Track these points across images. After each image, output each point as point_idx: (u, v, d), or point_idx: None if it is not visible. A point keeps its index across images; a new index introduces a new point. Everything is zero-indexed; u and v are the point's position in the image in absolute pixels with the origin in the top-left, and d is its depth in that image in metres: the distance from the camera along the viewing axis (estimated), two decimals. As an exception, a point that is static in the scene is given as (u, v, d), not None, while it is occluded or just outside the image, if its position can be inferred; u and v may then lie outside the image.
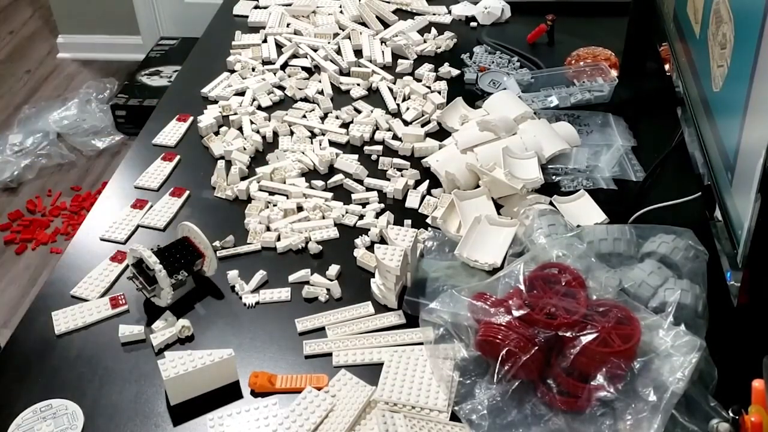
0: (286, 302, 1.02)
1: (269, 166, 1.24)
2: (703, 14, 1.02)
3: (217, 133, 1.33)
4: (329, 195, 1.19)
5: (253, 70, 1.49)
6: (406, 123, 1.34)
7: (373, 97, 1.43)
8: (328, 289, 1.03)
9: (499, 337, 0.85)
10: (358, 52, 1.53)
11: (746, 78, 0.83)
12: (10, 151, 2.69)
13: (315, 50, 1.53)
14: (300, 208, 1.16)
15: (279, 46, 1.56)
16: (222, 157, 1.26)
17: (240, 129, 1.33)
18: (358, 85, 1.44)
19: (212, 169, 1.24)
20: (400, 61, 1.51)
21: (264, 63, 1.52)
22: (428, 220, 1.14)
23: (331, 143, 1.30)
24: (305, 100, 1.41)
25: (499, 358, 0.84)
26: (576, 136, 1.27)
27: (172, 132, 1.33)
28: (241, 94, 1.42)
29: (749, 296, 0.86)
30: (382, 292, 1.01)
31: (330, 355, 0.95)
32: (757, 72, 0.81)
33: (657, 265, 0.94)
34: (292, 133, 1.33)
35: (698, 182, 1.06)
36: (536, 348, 0.83)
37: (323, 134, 1.32)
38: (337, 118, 1.36)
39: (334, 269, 1.05)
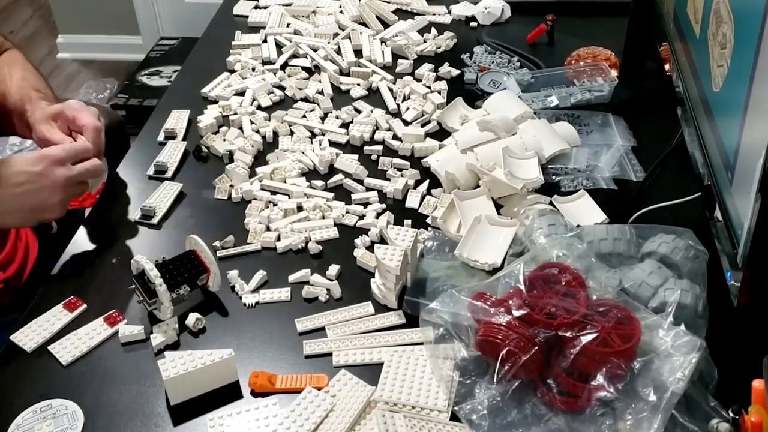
0: (286, 302, 1.02)
1: (269, 166, 1.24)
2: (703, 14, 1.02)
3: (215, 133, 1.33)
4: (330, 195, 1.19)
5: (253, 70, 1.49)
6: (406, 123, 1.34)
7: (373, 97, 1.43)
8: (328, 289, 1.03)
9: (499, 337, 0.85)
10: (358, 52, 1.53)
11: (746, 78, 0.83)
12: (10, 151, 2.69)
13: (315, 50, 1.53)
14: (300, 208, 1.16)
15: (279, 46, 1.56)
16: (231, 157, 1.26)
17: (240, 128, 1.33)
18: (358, 85, 1.44)
19: (211, 168, 1.24)
20: (400, 61, 1.51)
21: (264, 63, 1.52)
22: (428, 220, 1.14)
23: (331, 143, 1.30)
24: (305, 100, 1.41)
25: (499, 358, 0.84)
26: (576, 136, 1.27)
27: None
28: (241, 94, 1.42)
29: (749, 296, 0.86)
30: (382, 292, 1.01)
31: (330, 355, 0.95)
32: (757, 72, 0.81)
33: (657, 265, 0.94)
34: (292, 133, 1.33)
35: (698, 182, 1.06)
36: (536, 348, 0.84)
37: (323, 134, 1.32)
38: (337, 118, 1.36)
39: (334, 269, 1.05)
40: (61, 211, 1.05)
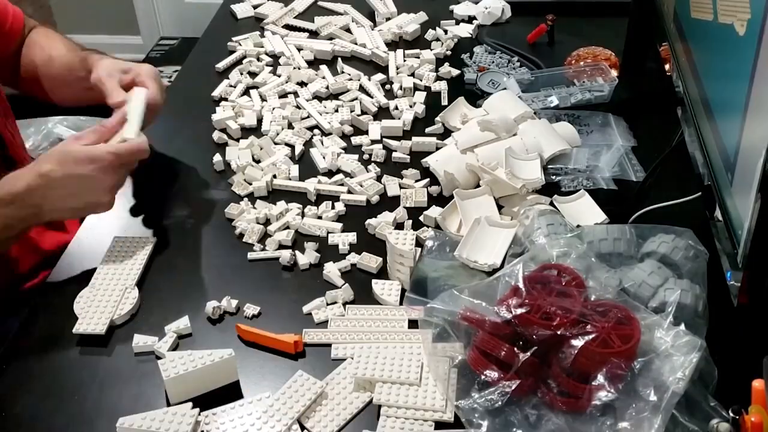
0: (287, 302, 1.02)
1: (271, 165, 1.24)
2: None
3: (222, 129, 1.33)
4: (341, 188, 1.19)
5: (255, 69, 1.49)
6: (404, 122, 1.33)
7: (375, 95, 1.43)
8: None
9: (486, 372, 0.85)
10: (357, 52, 1.54)
11: (747, 78, 0.83)
12: (56, 129, 2.67)
13: (315, 49, 1.54)
14: (301, 209, 1.17)
15: (279, 44, 1.56)
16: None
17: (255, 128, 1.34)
18: (359, 81, 1.44)
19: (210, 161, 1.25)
20: (399, 60, 1.50)
21: (266, 58, 1.52)
22: (421, 218, 1.14)
23: (332, 142, 1.30)
24: (306, 97, 1.41)
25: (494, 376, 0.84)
26: (576, 136, 1.27)
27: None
28: (246, 92, 1.43)
29: (749, 296, 0.86)
30: (396, 276, 1.03)
31: (329, 346, 0.95)
32: (758, 72, 0.81)
33: (657, 265, 0.94)
34: (291, 127, 1.33)
35: (698, 182, 1.06)
36: (529, 370, 0.84)
37: (324, 134, 1.32)
38: (336, 111, 1.36)
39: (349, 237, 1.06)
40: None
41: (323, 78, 1.45)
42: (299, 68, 1.48)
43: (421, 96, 1.40)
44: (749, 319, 0.90)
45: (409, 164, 1.25)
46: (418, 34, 1.59)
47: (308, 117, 1.36)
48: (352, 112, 1.36)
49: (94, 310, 0.99)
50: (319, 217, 1.15)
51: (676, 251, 0.95)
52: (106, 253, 1.08)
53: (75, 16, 3.22)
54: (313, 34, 1.60)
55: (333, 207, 1.16)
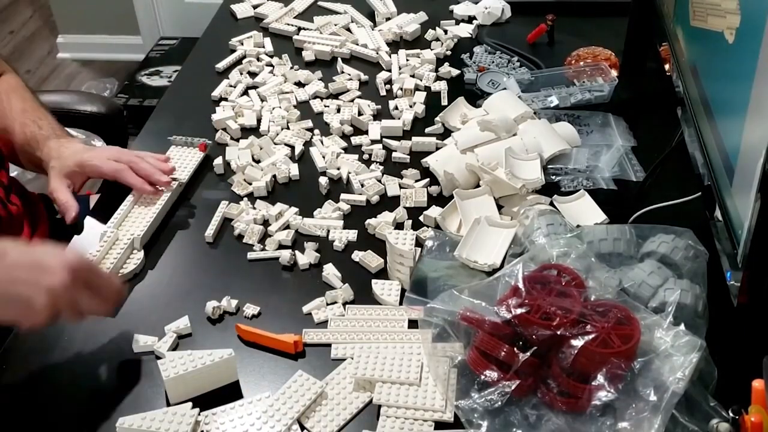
0: (287, 303, 1.02)
1: (273, 164, 1.24)
2: None
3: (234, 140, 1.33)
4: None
5: (255, 69, 1.49)
6: (404, 122, 1.34)
7: (374, 95, 1.43)
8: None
9: (486, 372, 0.85)
10: (358, 51, 1.54)
11: (747, 78, 0.83)
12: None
13: (317, 46, 1.54)
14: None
15: (281, 43, 1.56)
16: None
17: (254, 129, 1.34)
18: (359, 80, 1.44)
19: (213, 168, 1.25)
20: (400, 59, 1.51)
21: (266, 58, 1.52)
22: (421, 218, 1.14)
23: (332, 142, 1.30)
24: (306, 98, 1.41)
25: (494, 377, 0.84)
26: (576, 136, 1.27)
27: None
28: (245, 92, 1.43)
29: (749, 296, 0.86)
30: (396, 276, 1.02)
31: (329, 346, 0.95)
32: (758, 72, 0.81)
33: (657, 265, 0.94)
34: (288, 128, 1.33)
35: (698, 182, 1.06)
36: (528, 370, 0.84)
37: (324, 134, 1.32)
38: (338, 111, 1.36)
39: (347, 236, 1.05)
40: (41, 319, 0.84)
41: (320, 80, 1.45)
42: (296, 68, 1.48)
43: (421, 96, 1.40)
44: (749, 319, 0.90)
45: (409, 164, 1.25)
46: (418, 34, 1.59)
47: (308, 117, 1.36)
48: (355, 111, 1.36)
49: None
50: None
51: (676, 251, 0.95)
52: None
53: (75, 16, 3.22)
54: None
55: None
